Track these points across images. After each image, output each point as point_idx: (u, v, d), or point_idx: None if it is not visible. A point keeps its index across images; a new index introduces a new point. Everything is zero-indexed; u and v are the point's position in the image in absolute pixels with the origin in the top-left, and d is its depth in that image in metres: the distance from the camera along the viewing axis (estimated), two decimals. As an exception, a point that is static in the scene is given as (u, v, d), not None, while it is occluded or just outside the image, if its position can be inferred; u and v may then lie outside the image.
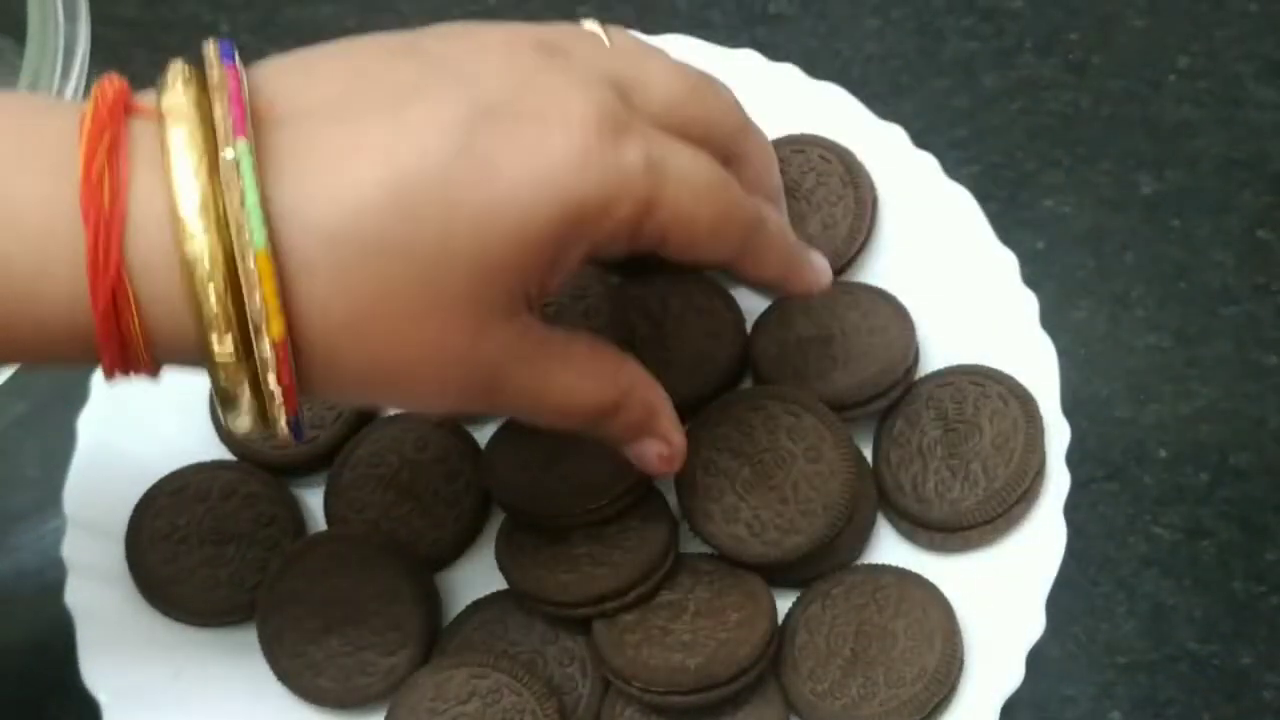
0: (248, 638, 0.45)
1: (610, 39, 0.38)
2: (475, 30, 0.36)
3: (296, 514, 0.47)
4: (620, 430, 0.39)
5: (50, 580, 0.45)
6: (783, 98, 0.51)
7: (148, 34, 0.59)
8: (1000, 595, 0.43)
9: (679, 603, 0.43)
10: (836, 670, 0.42)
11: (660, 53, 0.39)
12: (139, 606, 0.46)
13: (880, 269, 0.49)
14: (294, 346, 0.31)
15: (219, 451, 0.48)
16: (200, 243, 0.30)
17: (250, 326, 0.31)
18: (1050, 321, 0.47)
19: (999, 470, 0.43)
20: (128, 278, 0.30)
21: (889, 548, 0.45)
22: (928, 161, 0.49)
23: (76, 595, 0.45)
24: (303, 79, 0.33)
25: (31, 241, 0.30)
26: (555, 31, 0.36)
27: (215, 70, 0.32)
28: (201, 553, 0.46)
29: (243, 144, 0.30)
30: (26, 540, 0.51)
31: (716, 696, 0.41)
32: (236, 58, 0.32)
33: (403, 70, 0.33)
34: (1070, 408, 0.45)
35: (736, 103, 0.41)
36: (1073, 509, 0.43)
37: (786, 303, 0.48)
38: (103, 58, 0.51)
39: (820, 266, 0.43)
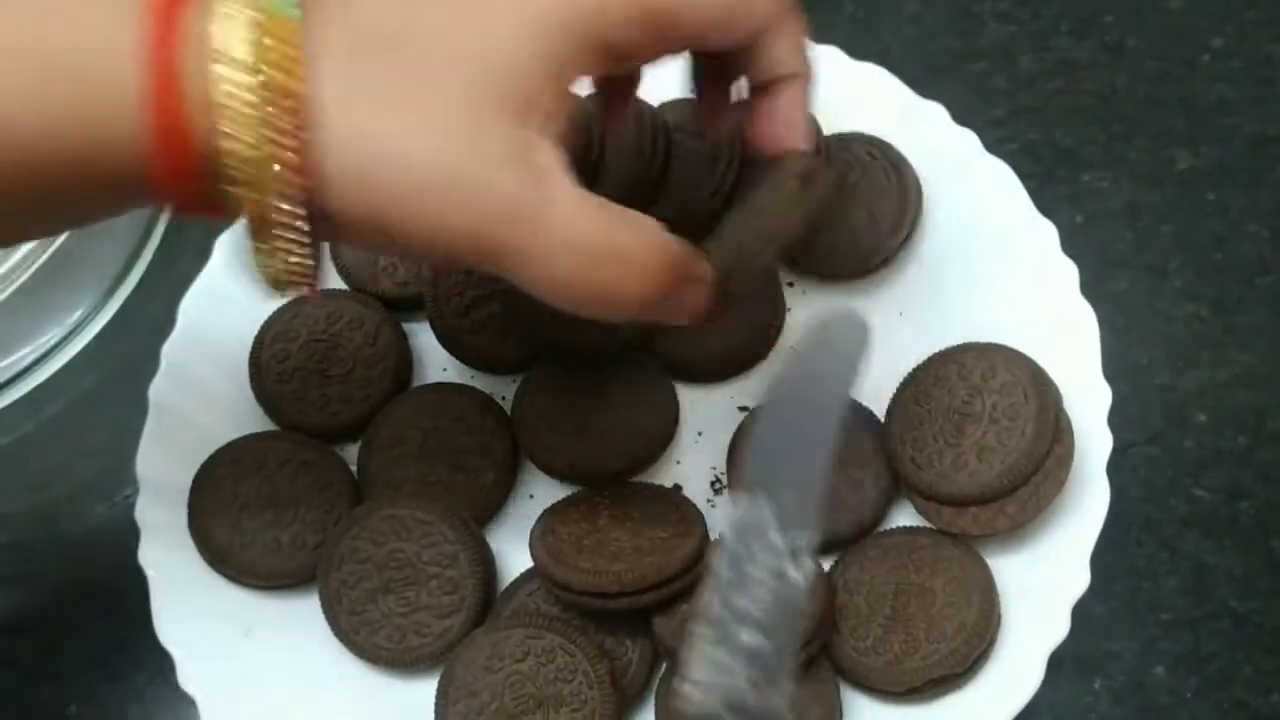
0: (314, 598, 0.46)
1: None
2: None
3: (350, 478, 0.49)
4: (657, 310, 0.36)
5: (122, 544, 0.47)
6: (825, 79, 0.52)
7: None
8: (1046, 553, 0.44)
9: None
10: (878, 628, 0.43)
11: None
12: (209, 568, 0.47)
13: (925, 247, 0.50)
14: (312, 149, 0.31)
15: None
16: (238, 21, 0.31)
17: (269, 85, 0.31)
18: (1090, 292, 0.47)
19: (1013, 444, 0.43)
20: (187, 106, 0.31)
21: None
22: (968, 138, 0.50)
23: (149, 555, 0.46)
24: None
25: (96, 84, 0.31)
26: None
27: None
28: (262, 518, 0.47)
29: None
30: (99, 508, 0.52)
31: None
32: None
33: None
34: (1111, 375, 0.45)
35: None
36: (1115, 471, 0.44)
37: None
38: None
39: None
